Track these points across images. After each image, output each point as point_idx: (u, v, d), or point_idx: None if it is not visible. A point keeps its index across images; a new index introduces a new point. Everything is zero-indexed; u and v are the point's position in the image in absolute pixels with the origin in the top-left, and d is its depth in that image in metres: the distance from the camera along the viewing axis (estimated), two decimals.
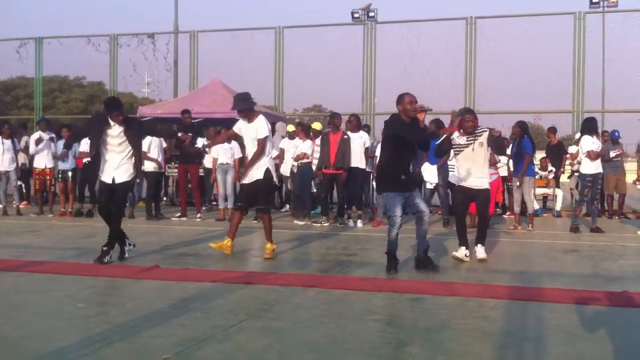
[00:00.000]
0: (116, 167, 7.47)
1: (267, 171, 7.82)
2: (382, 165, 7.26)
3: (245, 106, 7.86)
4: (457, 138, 7.83)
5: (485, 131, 7.82)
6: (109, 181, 7.48)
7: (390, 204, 6.93)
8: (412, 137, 6.94)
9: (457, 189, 8.15)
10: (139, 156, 7.74)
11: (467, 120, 7.69)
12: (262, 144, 7.73)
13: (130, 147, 7.48)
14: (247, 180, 7.84)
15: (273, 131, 16.01)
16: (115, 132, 7.41)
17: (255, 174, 7.80)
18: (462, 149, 7.83)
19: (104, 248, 7.45)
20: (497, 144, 8.20)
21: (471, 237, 8.02)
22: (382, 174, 7.19)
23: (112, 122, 7.39)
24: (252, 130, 7.82)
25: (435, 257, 7.89)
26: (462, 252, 7.81)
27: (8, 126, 13.76)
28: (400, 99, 7.00)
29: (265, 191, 8.02)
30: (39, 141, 12.91)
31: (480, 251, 7.82)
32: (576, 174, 13.00)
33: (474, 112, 8.07)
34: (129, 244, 7.77)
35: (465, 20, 16.34)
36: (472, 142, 7.76)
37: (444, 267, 7.29)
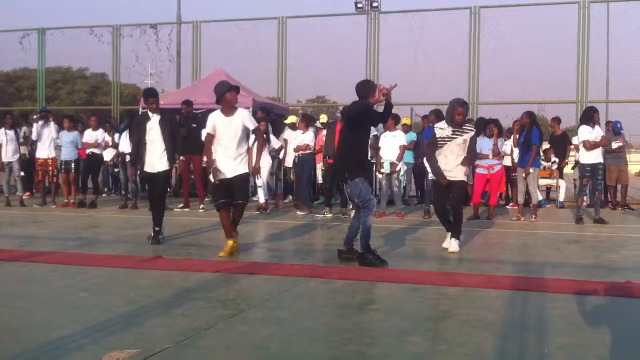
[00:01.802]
0: (159, 158, 8.12)
1: (248, 165, 7.71)
2: (351, 151, 6.92)
3: (228, 89, 7.42)
4: (443, 130, 7.65)
5: (472, 131, 7.71)
6: (153, 171, 8.17)
7: (365, 190, 6.84)
8: (378, 119, 7.30)
9: (434, 182, 7.99)
10: (172, 146, 8.22)
11: (458, 114, 7.53)
12: (261, 132, 7.53)
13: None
14: (229, 175, 7.40)
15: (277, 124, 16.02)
16: (154, 125, 8.11)
17: (240, 168, 7.45)
18: (445, 141, 7.60)
19: (157, 228, 8.22)
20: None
21: (467, 228, 8.02)
22: (353, 160, 6.90)
23: (150, 114, 8.20)
24: (237, 122, 7.39)
25: (436, 248, 7.91)
26: (455, 244, 7.70)
27: (10, 117, 13.83)
28: (371, 84, 7.06)
29: (247, 185, 7.89)
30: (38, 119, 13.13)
31: (453, 244, 7.61)
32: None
33: (466, 105, 7.87)
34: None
35: (469, 10, 16.26)
36: (458, 136, 7.60)
37: (449, 257, 7.28)
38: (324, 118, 13.50)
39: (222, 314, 4.72)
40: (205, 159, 7.95)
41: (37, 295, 5.36)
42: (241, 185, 7.52)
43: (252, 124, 7.48)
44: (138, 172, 8.50)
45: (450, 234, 7.74)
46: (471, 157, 7.84)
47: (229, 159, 7.41)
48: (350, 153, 6.92)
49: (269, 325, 4.51)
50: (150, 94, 8.39)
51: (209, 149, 7.48)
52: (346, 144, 6.98)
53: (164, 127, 8.15)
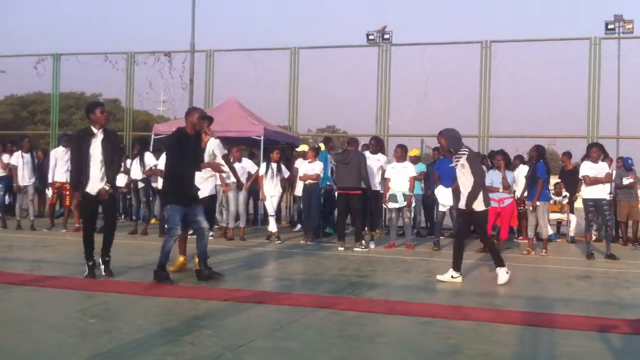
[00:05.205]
0: (100, 179, 7.40)
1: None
2: (170, 178, 7.37)
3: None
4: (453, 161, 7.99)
5: (464, 154, 7.80)
6: (94, 193, 7.40)
7: (172, 218, 7.23)
8: (195, 154, 7.46)
9: (459, 212, 8.28)
10: (111, 167, 7.50)
11: (439, 144, 7.99)
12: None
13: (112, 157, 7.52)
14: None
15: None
16: (98, 142, 7.40)
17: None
18: (457, 171, 7.96)
19: (89, 263, 7.49)
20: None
21: (469, 261, 7.97)
22: (170, 187, 7.35)
23: (95, 131, 7.40)
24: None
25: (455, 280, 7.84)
26: (448, 275, 7.85)
27: (27, 140, 13.93)
28: (192, 112, 7.45)
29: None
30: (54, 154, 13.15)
31: (501, 275, 7.83)
32: None
33: (443, 134, 7.97)
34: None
35: (481, 43, 16.37)
36: (456, 165, 7.87)
37: (459, 290, 7.23)
38: (321, 147, 13.52)
39: (230, 344, 4.70)
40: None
41: (47, 321, 5.36)
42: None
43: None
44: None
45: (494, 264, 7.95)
46: (478, 180, 7.82)
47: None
48: (169, 180, 7.40)
49: (277, 355, 4.48)
50: (97, 103, 7.73)
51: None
52: (166, 170, 7.48)
53: (105, 146, 7.41)
